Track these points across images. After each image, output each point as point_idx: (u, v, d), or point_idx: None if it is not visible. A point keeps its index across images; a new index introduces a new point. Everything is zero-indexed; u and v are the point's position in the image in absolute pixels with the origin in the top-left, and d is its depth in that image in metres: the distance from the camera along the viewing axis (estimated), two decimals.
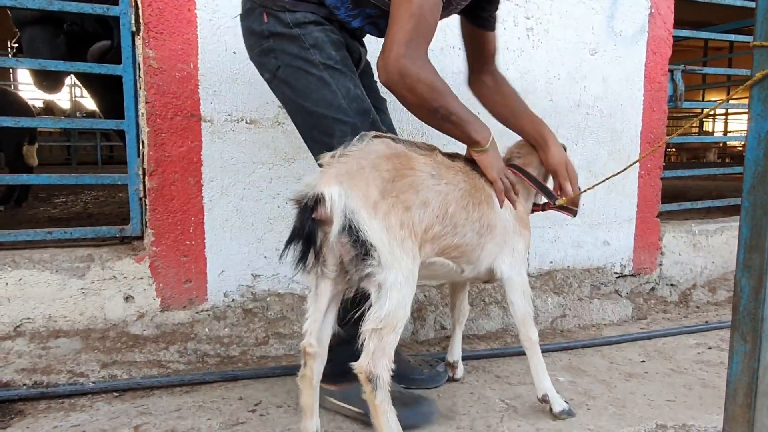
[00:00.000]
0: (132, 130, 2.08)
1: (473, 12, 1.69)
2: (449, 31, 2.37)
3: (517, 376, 1.97)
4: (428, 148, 1.45)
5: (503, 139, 1.71)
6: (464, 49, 1.80)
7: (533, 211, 1.76)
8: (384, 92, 1.66)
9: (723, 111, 12.53)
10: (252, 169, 2.16)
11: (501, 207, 1.54)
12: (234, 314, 2.16)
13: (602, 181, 1.74)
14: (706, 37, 3.57)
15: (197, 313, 2.12)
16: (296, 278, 2.24)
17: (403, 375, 1.78)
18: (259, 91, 2.12)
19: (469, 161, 1.56)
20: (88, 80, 3.24)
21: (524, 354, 1.66)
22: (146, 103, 2.01)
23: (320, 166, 1.34)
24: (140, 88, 2.04)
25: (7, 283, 1.92)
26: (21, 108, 4.75)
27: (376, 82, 1.75)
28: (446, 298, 2.37)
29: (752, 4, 1.20)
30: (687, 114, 8.47)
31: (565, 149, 1.74)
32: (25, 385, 1.81)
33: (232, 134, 2.12)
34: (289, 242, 1.27)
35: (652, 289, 2.91)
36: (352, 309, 1.34)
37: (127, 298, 2.04)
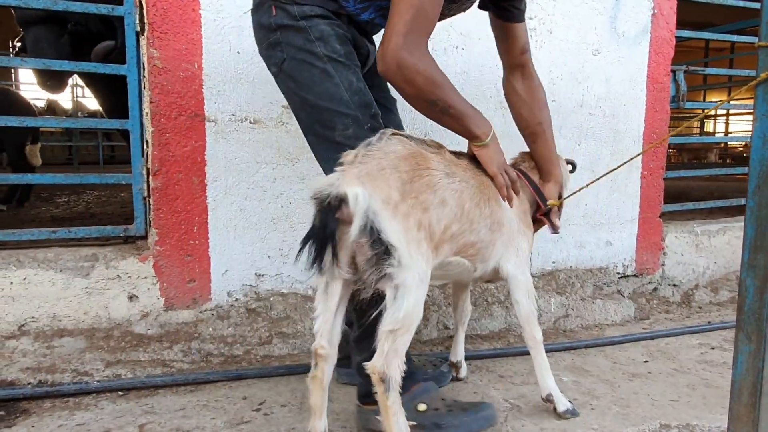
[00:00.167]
0: (136, 130, 2.09)
1: (497, 3, 1.66)
2: (452, 31, 2.38)
3: (521, 376, 1.97)
4: (437, 146, 1.46)
5: (503, 138, 1.71)
6: (496, 47, 1.77)
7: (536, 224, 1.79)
8: (394, 92, 1.66)
9: (724, 112, 12.54)
10: (256, 168, 2.17)
11: (503, 202, 1.54)
12: (237, 314, 2.16)
13: (601, 177, 1.77)
14: (709, 37, 3.57)
15: (201, 312, 2.13)
16: (300, 278, 2.25)
17: (409, 374, 1.78)
18: (263, 91, 2.13)
19: (473, 158, 1.56)
20: (92, 80, 3.24)
21: (527, 354, 1.66)
22: (150, 102, 2.01)
23: (327, 164, 1.33)
24: (144, 87, 2.05)
25: (11, 282, 1.92)
26: (23, 108, 4.76)
27: None
28: (449, 298, 2.37)
29: (753, 5, 1.21)
30: (688, 115, 8.47)
31: (574, 167, 1.78)
32: (29, 384, 1.82)
33: (236, 134, 2.13)
34: (306, 241, 1.25)
35: (655, 289, 2.91)
36: (369, 309, 1.32)
37: (131, 298, 2.05)
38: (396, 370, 1.25)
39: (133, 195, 2.11)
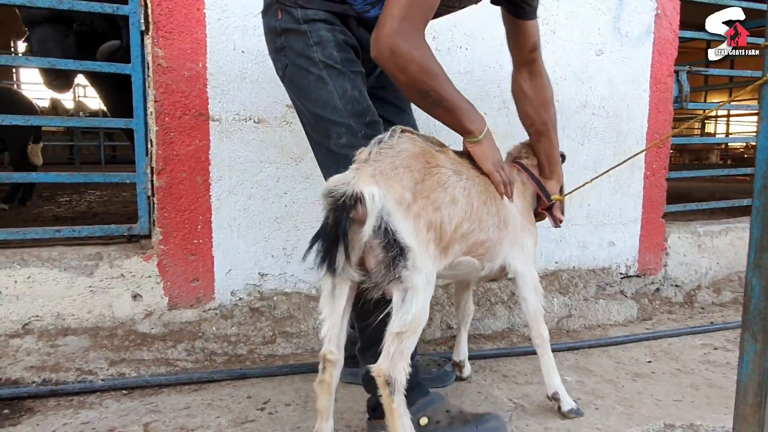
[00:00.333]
0: (141, 129, 2.09)
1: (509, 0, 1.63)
2: (456, 30, 2.38)
3: (524, 376, 1.97)
4: (440, 145, 1.45)
5: (506, 139, 1.72)
6: (507, 43, 1.74)
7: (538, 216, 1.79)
8: None
9: (724, 113, 12.54)
10: (259, 168, 2.17)
11: (503, 199, 1.52)
12: (241, 313, 2.17)
13: (603, 173, 1.77)
14: (712, 38, 3.56)
15: (204, 311, 2.13)
16: (303, 277, 2.25)
17: (415, 385, 1.77)
18: (267, 91, 2.13)
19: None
20: (96, 79, 3.25)
21: (531, 354, 1.67)
22: (155, 102, 2.02)
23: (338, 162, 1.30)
24: (149, 87, 2.05)
25: (15, 281, 1.93)
26: (26, 107, 4.76)
27: None
28: (452, 298, 2.37)
29: (755, 6, 1.21)
30: (691, 115, 8.46)
31: (563, 158, 1.78)
32: (34, 382, 1.82)
33: (240, 133, 2.13)
34: (315, 239, 1.22)
35: (657, 289, 2.91)
36: (373, 312, 1.30)
37: (135, 297, 2.05)
38: (401, 372, 1.24)
39: (138, 194, 2.11)
